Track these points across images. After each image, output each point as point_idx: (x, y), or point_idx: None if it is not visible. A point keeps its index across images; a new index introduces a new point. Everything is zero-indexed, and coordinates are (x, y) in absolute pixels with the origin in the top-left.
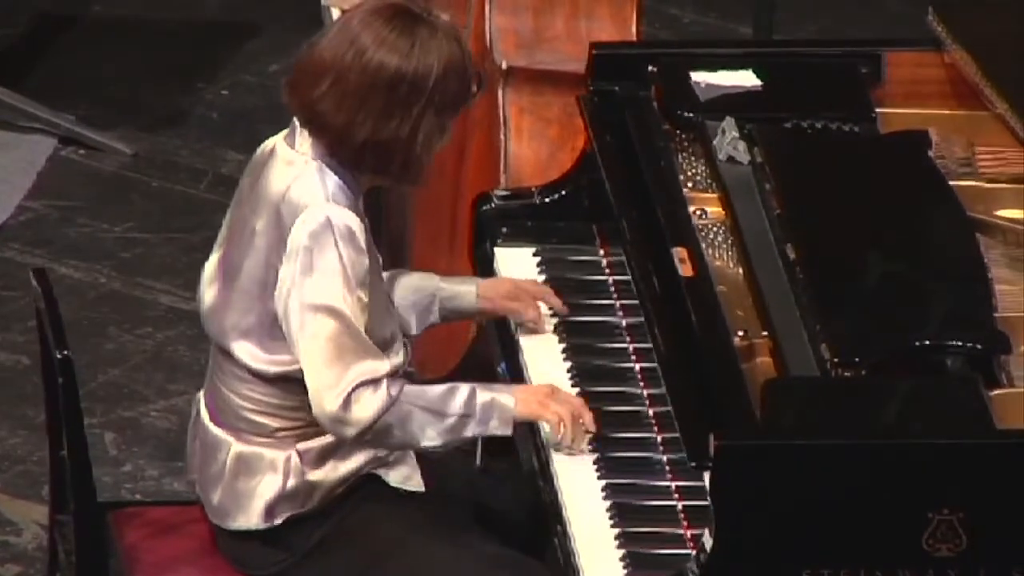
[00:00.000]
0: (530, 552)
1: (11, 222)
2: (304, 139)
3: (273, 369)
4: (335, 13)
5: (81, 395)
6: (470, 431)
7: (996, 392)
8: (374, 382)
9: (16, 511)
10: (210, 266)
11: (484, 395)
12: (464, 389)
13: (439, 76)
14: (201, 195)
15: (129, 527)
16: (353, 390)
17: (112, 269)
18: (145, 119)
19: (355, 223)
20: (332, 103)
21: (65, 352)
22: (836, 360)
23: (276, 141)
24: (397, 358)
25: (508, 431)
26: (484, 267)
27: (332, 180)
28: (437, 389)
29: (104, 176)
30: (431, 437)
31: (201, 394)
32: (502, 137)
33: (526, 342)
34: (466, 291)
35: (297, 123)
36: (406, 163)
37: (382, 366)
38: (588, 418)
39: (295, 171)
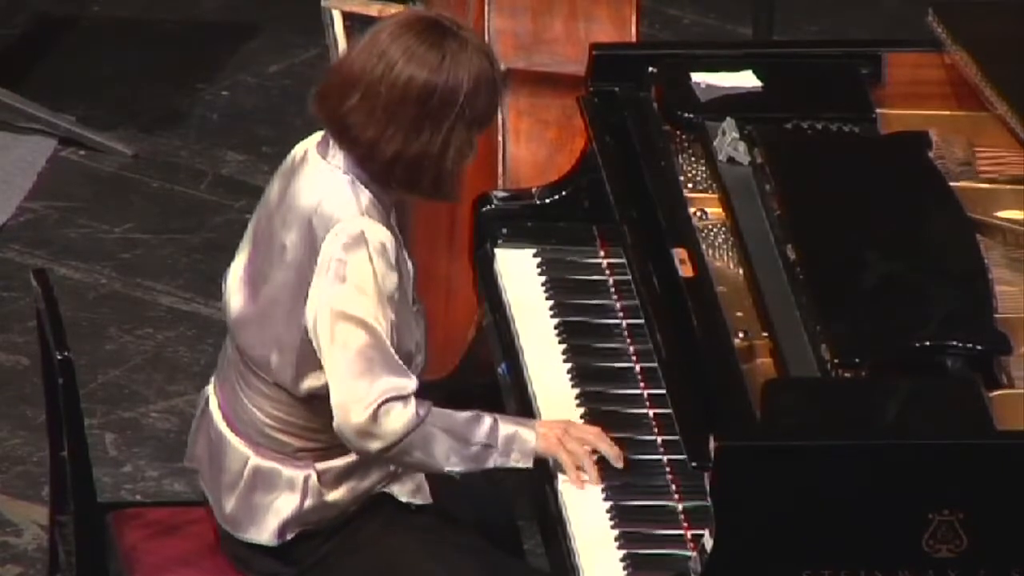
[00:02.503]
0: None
1: (11, 223)
2: (336, 151)
3: (304, 388)
4: (335, 14)
5: (81, 396)
6: (491, 462)
7: (996, 393)
8: (403, 398)
9: (16, 512)
10: (235, 273)
11: (506, 427)
12: (487, 418)
13: (470, 91)
14: (201, 196)
15: (129, 528)
16: (382, 404)
17: (112, 270)
18: (145, 120)
19: (388, 239)
20: (362, 116)
21: (65, 353)
22: (836, 361)
23: (308, 147)
24: (419, 368)
25: (528, 465)
26: (484, 268)
27: (365, 195)
28: (462, 415)
29: (104, 177)
30: (454, 463)
31: (211, 391)
32: (500, 139)
33: (526, 343)
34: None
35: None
36: (438, 178)
37: (410, 383)
38: (607, 450)
39: (327, 184)
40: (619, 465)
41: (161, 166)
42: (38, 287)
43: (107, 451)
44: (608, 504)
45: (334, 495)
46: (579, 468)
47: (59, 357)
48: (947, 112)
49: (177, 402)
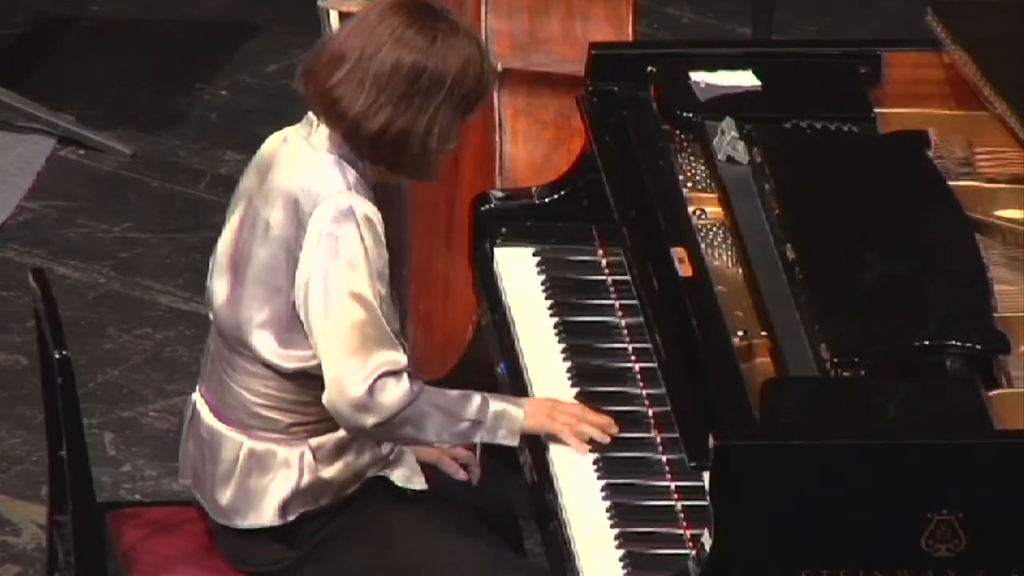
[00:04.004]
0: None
1: (10, 222)
2: (320, 133)
3: (290, 365)
4: (333, 16)
5: (80, 395)
6: (478, 437)
7: (995, 392)
8: (396, 373)
9: (15, 511)
10: (219, 261)
11: (496, 404)
12: (476, 396)
13: (458, 72)
14: (200, 195)
15: (128, 527)
16: (378, 378)
17: (111, 269)
18: (144, 119)
19: (375, 214)
20: (350, 89)
21: (64, 352)
22: (835, 360)
23: (288, 134)
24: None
25: (515, 442)
26: (484, 267)
27: (351, 172)
28: (452, 392)
29: (103, 176)
30: (444, 439)
31: (196, 396)
32: (497, 139)
33: (526, 343)
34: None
35: (313, 117)
36: (421, 156)
37: (402, 358)
38: (595, 420)
39: (312, 163)
40: (614, 430)
41: (160, 166)
42: (37, 287)
43: (106, 451)
44: (607, 503)
45: (330, 472)
46: (576, 434)
47: (58, 356)
48: (946, 111)
49: (176, 401)
